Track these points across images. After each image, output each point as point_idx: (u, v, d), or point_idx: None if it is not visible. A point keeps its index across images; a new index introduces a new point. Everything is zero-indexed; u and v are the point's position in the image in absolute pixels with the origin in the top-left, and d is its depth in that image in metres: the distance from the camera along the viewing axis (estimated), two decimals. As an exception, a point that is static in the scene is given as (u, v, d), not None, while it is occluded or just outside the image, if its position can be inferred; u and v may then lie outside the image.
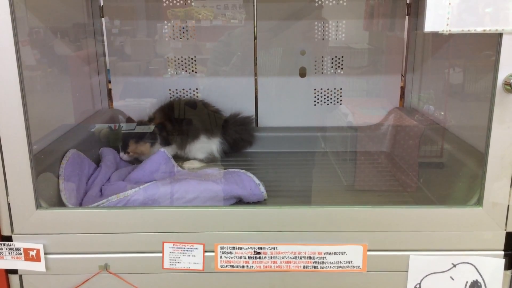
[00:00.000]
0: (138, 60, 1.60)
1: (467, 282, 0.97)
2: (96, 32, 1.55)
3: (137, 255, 0.96)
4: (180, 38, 1.55)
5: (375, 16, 1.59)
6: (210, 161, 1.48)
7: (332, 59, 1.57)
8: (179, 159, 1.46)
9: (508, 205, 0.93)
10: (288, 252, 0.96)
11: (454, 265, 0.96)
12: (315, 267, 0.96)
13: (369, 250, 0.96)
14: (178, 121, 1.49)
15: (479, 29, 0.83)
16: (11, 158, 0.90)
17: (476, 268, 0.96)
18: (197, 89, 1.59)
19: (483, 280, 0.96)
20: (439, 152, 1.35)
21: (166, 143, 1.47)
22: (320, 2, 1.53)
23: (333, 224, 0.95)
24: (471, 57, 1.24)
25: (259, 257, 0.96)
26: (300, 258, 0.96)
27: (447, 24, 0.82)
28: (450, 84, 1.37)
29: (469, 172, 1.11)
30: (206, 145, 1.49)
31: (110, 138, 1.48)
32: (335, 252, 0.96)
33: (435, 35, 1.43)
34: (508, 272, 0.96)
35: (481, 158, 0.94)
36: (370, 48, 1.60)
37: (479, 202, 0.94)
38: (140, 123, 1.49)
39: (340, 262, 0.96)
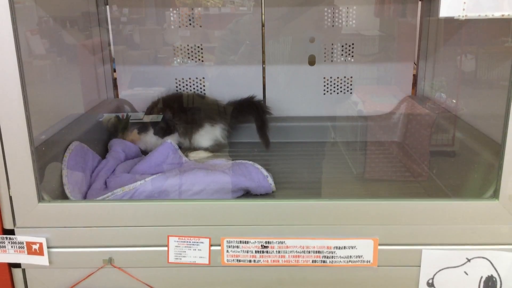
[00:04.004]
0: (143, 48, 1.57)
1: (481, 277, 0.94)
2: (102, 20, 1.52)
3: (142, 249, 0.95)
4: (186, 26, 1.52)
5: (386, 2, 1.55)
6: (216, 150, 1.45)
7: (342, 46, 1.53)
8: (183, 149, 1.44)
9: (526, 198, 0.89)
10: (296, 246, 0.93)
11: (469, 260, 0.93)
12: (324, 261, 0.94)
13: (380, 244, 0.93)
14: (179, 112, 1.47)
15: (497, 14, 0.79)
16: (12, 150, 0.88)
17: (491, 263, 0.93)
18: (203, 78, 1.56)
19: (499, 275, 0.93)
20: (453, 142, 1.32)
21: (163, 133, 1.46)
22: (330, -12, 1.49)
23: (343, 217, 0.93)
24: (486, 44, 1.20)
25: (267, 251, 0.94)
26: (309, 252, 0.93)
27: (464, 9, 0.79)
28: (465, 72, 1.33)
29: (484, 162, 1.07)
30: (211, 133, 1.46)
31: (118, 128, 1.47)
32: (345, 247, 0.93)
33: (449, 21, 1.40)
34: (525, 267, 0.93)
35: (497, 148, 0.90)
36: (381, 35, 1.56)
37: (495, 195, 0.90)
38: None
39: (350, 257, 0.93)
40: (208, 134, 1.46)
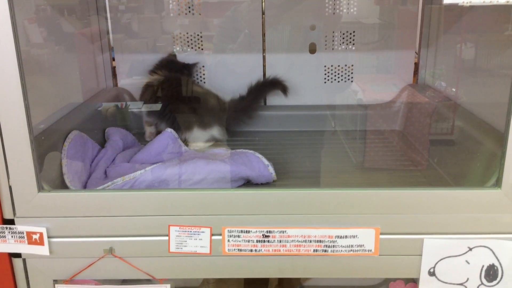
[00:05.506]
0: (142, 37, 1.56)
1: (483, 266, 0.94)
2: (100, 9, 1.51)
3: (143, 239, 0.94)
4: (186, 14, 1.50)
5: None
6: (215, 140, 1.44)
7: (343, 34, 1.52)
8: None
9: (529, 187, 0.89)
10: (297, 236, 0.93)
11: (470, 249, 0.93)
12: (325, 250, 0.94)
13: (381, 234, 0.92)
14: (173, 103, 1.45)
15: (502, 1, 0.78)
16: (12, 140, 0.87)
17: (493, 252, 0.93)
18: (203, 66, 1.55)
19: (500, 264, 0.93)
20: (452, 130, 1.31)
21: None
22: (331, -26, 1.47)
23: (344, 206, 0.92)
24: (488, 32, 1.19)
25: (268, 241, 0.93)
26: (310, 241, 0.93)
27: (468, -4, 0.78)
28: (467, 60, 1.32)
29: (486, 151, 1.07)
30: (208, 132, 1.44)
31: (117, 117, 1.46)
32: (346, 236, 0.93)
33: (451, 9, 1.38)
34: (527, 256, 0.93)
35: (499, 136, 0.90)
36: (383, 23, 1.54)
37: (498, 184, 0.90)
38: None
39: (352, 246, 0.93)
40: (203, 135, 1.43)
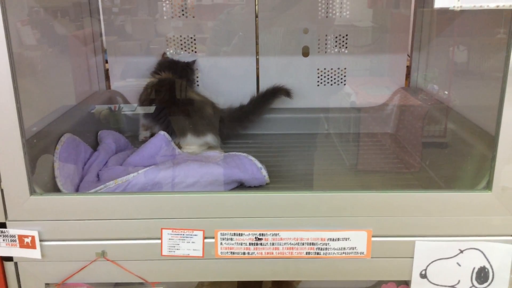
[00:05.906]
0: (136, 39, 1.55)
1: (474, 268, 0.94)
2: (93, 11, 1.50)
3: (135, 242, 0.94)
4: (179, 17, 1.50)
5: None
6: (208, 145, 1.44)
7: (336, 37, 1.53)
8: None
9: (519, 190, 0.89)
10: (290, 238, 0.93)
11: (461, 251, 0.93)
12: (318, 253, 0.94)
13: (373, 236, 0.93)
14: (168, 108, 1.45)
15: (492, 5, 0.79)
16: (3, 143, 0.87)
17: (484, 254, 0.93)
18: (197, 69, 1.55)
19: (491, 266, 0.94)
20: (445, 133, 1.32)
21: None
22: (324, -22, 1.48)
23: (336, 209, 0.92)
24: (479, 35, 1.20)
25: (261, 244, 0.93)
26: (303, 244, 0.93)
27: (458, 0, 0.78)
28: (458, 63, 1.33)
29: (477, 153, 1.08)
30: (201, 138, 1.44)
31: (110, 119, 1.45)
32: (338, 238, 0.93)
33: (443, 12, 1.39)
34: (517, 258, 0.94)
35: (490, 139, 0.90)
36: (375, 26, 1.55)
37: (488, 187, 0.90)
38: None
39: (344, 248, 0.93)
40: (197, 141, 1.43)
